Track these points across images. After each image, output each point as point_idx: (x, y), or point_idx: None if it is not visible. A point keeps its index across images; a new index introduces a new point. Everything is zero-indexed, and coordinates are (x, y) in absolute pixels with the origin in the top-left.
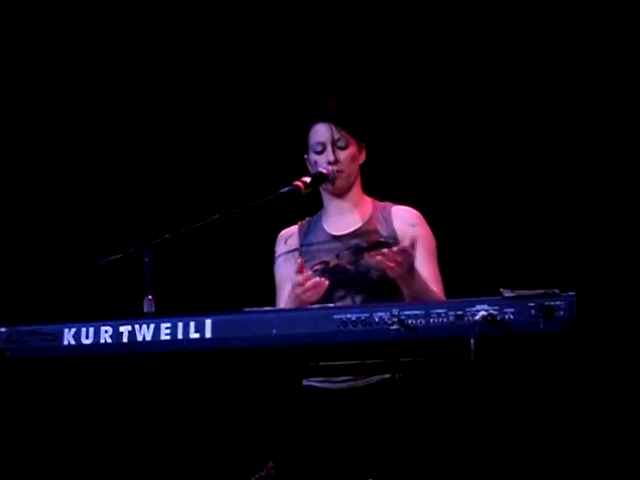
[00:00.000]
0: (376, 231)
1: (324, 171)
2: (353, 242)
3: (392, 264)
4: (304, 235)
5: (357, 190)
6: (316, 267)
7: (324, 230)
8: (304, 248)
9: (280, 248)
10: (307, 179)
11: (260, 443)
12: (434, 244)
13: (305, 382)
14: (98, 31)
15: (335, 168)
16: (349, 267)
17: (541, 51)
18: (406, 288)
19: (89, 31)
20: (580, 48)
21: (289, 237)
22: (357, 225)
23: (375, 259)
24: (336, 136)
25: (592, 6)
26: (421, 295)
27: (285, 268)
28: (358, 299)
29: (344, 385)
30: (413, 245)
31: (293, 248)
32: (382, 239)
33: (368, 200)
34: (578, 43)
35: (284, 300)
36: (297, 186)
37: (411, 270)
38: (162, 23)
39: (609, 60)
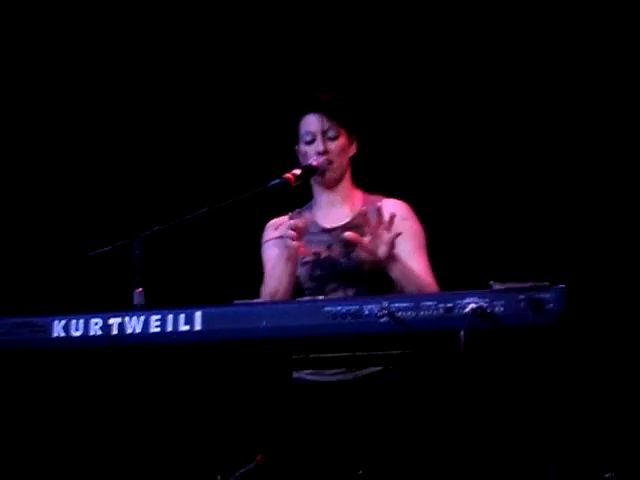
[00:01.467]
0: (366, 224)
1: (314, 163)
2: (344, 236)
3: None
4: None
5: (347, 183)
6: (307, 259)
7: (315, 222)
8: None
9: (269, 234)
10: (297, 171)
11: (249, 436)
12: (424, 237)
13: (295, 374)
14: (82, 20)
15: (325, 158)
16: (341, 260)
17: (526, 29)
18: (392, 274)
19: (73, 20)
20: (563, 28)
21: (279, 225)
22: (348, 218)
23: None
24: (326, 126)
25: None
26: (411, 284)
27: (273, 251)
28: (350, 292)
29: (334, 378)
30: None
31: (282, 235)
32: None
33: (358, 193)
34: (561, 23)
35: (270, 282)
36: (287, 179)
37: (392, 256)
38: (150, 14)
39: (591, 43)
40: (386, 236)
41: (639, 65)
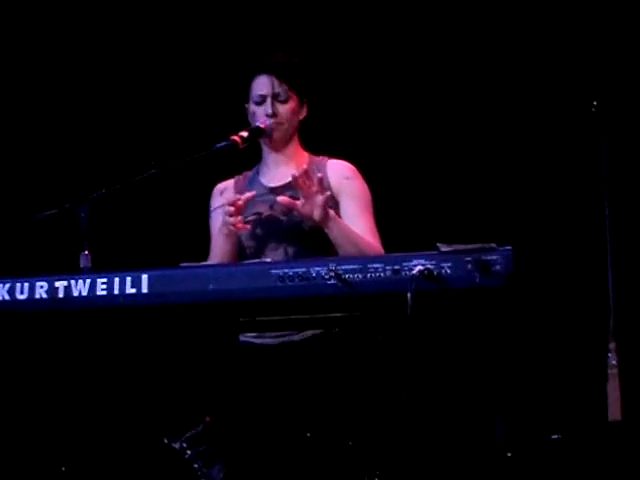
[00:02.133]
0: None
1: (261, 125)
2: (288, 193)
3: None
4: (240, 188)
5: (294, 144)
6: (250, 218)
7: (260, 183)
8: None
9: (215, 202)
10: (244, 133)
11: (197, 399)
12: (369, 197)
13: (242, 338)
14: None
15: (273, 121)
16: (282, 218)
17: (484, 13)
18: (330, 235)
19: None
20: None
21: (224, 190)
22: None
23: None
24: (277, 90)
25: None
26: (351, 245)
27: (219, 221)
28: (290, 250)
29: (280, 340)
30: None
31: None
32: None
33: (304, 154)
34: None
35: (215, 250)
36: (234, 140)
37: (328, 217)
38: None
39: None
40: (318, 198)
41: (628, 64)
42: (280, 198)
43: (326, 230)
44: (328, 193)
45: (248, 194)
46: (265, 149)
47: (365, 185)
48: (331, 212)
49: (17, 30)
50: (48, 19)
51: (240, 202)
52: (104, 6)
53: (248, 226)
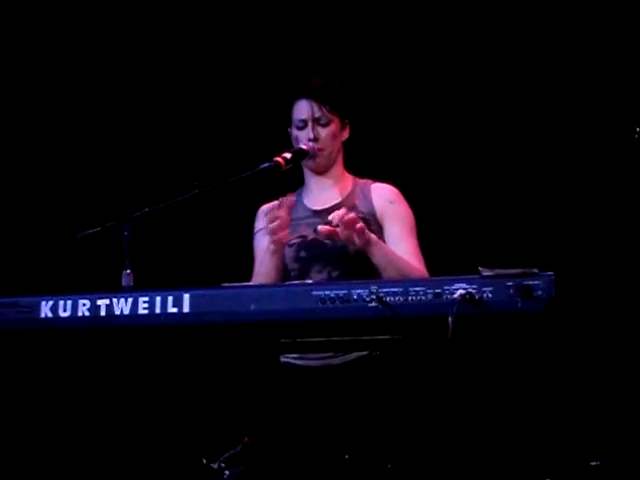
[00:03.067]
0: (355, 207)
1: (304, 147)
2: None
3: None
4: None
5: (338, 167)
6: (294, 241)
7: (304, 205)
8: None
9: (260, 223)
10: (287, 155)
11: (236, 419)
12: (413, 220)
13: (283, 359)
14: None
15: (315, 146)
16: (326, 242)
17: (520, 39)
18: (373, 259)
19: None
20: (559, 37)
21: (269, 212)
22: (336, 200)
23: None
24: (317, 114)
25: None
26: (394, 269)
27: (263, 242)
28: (334, 274)
29: (321, 362)
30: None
31: None
32: (361, 215)
33: (349, 177)
34: (556, 32)
35: (259, 270)
36: (277, 162)
37: (369, 242)
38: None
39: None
40: (357, 225)
41: (630, 65)
42: (320, 228)
43: (369, 255)
44: (361, 225)
45: (288, 202)
46: (308, 172)
47: (409, 209)
48: (373, 237)
49: (65, 47)
50: (94, 39)
51: (282, 213)
52: (144, 32)
53: (294, 235)
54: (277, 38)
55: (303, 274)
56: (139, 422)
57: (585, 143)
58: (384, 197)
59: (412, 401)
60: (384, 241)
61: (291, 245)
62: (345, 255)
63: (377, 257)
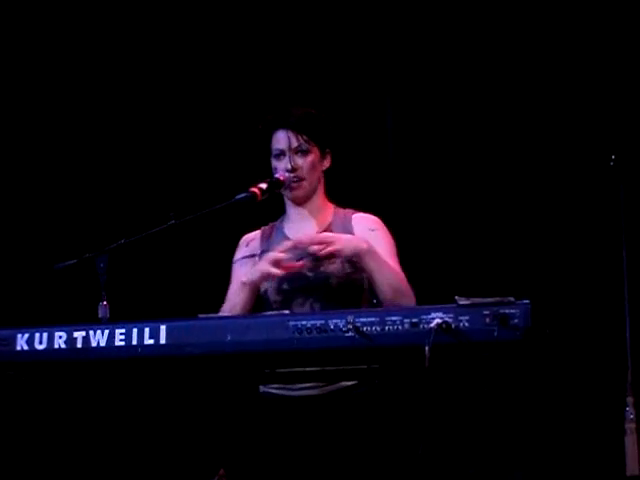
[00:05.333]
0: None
1: (280, 177)
2: (313, 249)
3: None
4: (266, 240)
5: (319, 197)
6: None
7: (285, 236)
8: (264, 253)
9: (240, 252)
10: (263, 185)
11: (212, 450)
12: (394, 247)
13: (262, 389)
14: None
15: (292, 175)
16: (308, 274)
17: (500, 55)
18: (367, 267)
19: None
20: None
21: (251, 241)
22: (315, 232)
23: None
24: (295, 144)
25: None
26: (387, 278)
27: (241, 271)
28: (317, 306)
29: (300, 392)
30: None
31: (253, 253)
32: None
33: (330, 206)
34: (541, 48)
35: (233, 299)
36: (253, 192)
37: (365, 250)
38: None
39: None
40: (349, 236)
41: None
42: (315, 250)
43: (364, 264)
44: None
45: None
46: (288, 202)
47: (390, 236)
48: (371, 245)
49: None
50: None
51: (283, 256)
52: (118, 50)
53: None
54: (255, 66)
55: (285, 306)
56: (117, 453)
57: (560, 171)
58: (365, 226)
59: (390, 431)
60: (365, 274)
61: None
62: (328, 287)
63: (372, 266)
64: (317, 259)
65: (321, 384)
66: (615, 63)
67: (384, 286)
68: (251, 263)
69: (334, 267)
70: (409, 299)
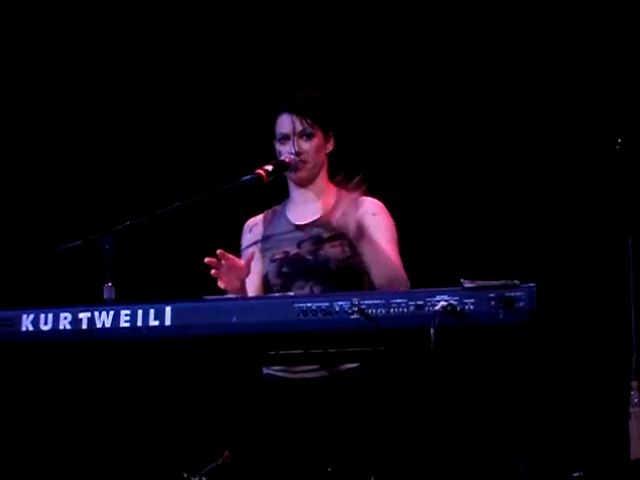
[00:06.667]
0: (334, 222)
1: (286, 160)
2: (314, 232)
3: None
4: (268, 224)
5: (322, 179)
6: (277, 256)
7: (287, 219)
8: (267, 237)
9: (245, 239)
10: (269, 167)
11: (217, 432)
12: (395, 233)
13: (265, 370)
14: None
15: (298, 159)
16: (308, 257)
17: (505, 39)
18: (363, 251)
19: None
20: (546, 40)
21: (254, 226)
22: (318, 215)
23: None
24: (299, 127)
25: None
26: (383, 266)
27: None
28: (316, 289)
29: (304, 375)
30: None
31: (256, 239)
32: (342, 230)
33: (333, 189)
34: (543, 34)
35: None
36: (259, 174)
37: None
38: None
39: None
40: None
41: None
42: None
43: (360, 248)
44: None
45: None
46: (292, 185)
47: (392, 221)
48: (365, 229)
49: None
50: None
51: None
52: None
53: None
54: (259, 50)
55: (285, 289)
56: (121, 435)
57: (566, 155)
58: (367, 210)
59: (395, 413)
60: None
61: (274, 260)
62: (328, 271)
63: (369, 252)
64: (317, 242)
65: (324, 366)
66: (620, 47)
67: (377, 272)
68: (255, 248)
69: (334, 250)
70: (402, 287)
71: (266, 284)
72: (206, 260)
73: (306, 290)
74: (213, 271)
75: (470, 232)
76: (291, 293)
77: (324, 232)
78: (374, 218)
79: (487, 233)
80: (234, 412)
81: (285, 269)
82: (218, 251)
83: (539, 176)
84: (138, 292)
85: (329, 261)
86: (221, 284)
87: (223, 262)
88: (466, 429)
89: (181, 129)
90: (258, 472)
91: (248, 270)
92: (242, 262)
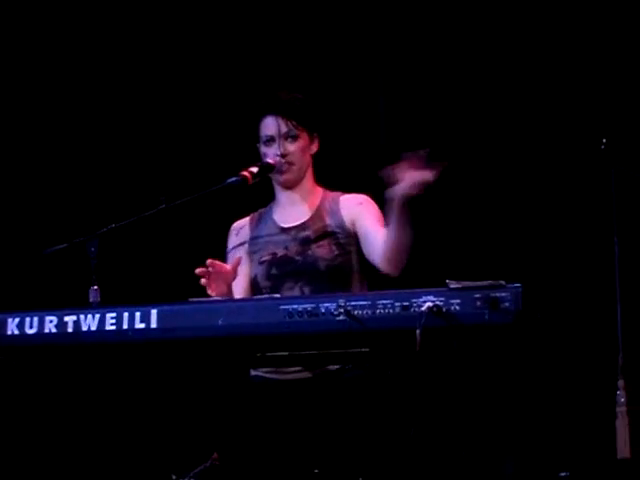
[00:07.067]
0: (323, 222)
1: (271, 161)
2: (301, 235)
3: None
4: (255, 227)
5: (308, 181)
6: (265, 258)
7: (274, 222)
8: (254, 240)
9: (231, 241)
10: (254, 169)
11: (206, 434)
12: (382, 219)
13: (253, 372)
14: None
15: (283, 161)
16: (297, 258)
17: (492, 43)
18: (398, 229)
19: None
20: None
21: (240, 229)
22: (305, 217)
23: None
24: (284, 129)
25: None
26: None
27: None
28: (306, 290)
29: (291, 376)
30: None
31: (242, 241)
32: (329, 229)
33: (319, 190)
34: (533, 40)
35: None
36: (244, 176)
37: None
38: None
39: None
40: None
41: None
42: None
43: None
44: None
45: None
46: (277, 187)
47: (379, 210)
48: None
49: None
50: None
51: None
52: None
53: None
54: (243, 52)
55: (275, 291)
56: (109, 437)
57: (552, 155)
58: (352, 203)
59: (381, 414)
60: (360, 248)
61: (262, 262)
62: (316, 271)
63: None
64: (304, 243)
65: (311, 367)
66: (606, 48)
67: (400, 241)
68: (242, 251)
69: (321, 250)
70: (399, 268)
71: (255, 286)
72: (197, 271)
73: (296, 291)
74: (203, 280)
75: (456, 233)
76: (277, 295)
77: (311, 234)
78: (361, 206)
79: (473, 234)
80: (222, 414)
81: (274, 271)
82: (208, 261)
83: (525, 176)
84: (124, 295)
85: (318, 261)
86: (211, 292)
87: (211, 269)
88: (453, 429)
89: (166, 132)
90: (247, 474)
91: (235, 274)
92: (229, 267)
